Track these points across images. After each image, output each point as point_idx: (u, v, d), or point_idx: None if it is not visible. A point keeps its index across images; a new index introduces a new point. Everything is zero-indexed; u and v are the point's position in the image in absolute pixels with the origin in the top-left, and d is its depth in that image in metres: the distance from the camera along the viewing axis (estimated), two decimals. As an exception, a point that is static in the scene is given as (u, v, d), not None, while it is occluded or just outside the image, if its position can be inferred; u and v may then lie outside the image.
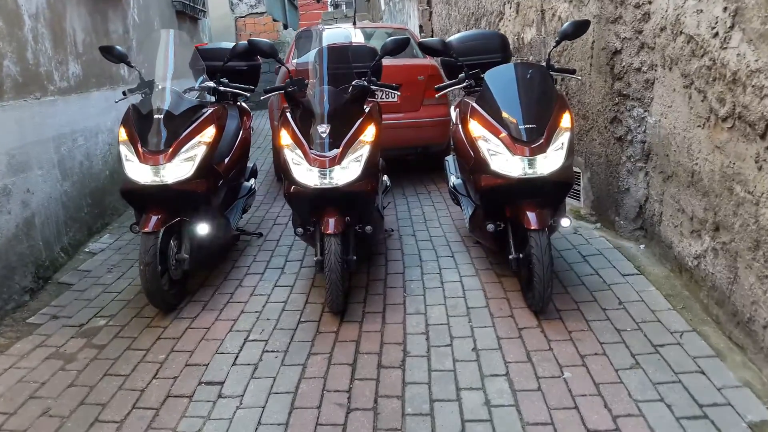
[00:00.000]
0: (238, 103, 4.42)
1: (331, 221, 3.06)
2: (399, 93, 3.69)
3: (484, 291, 3.43)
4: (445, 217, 4.82)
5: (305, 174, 3.08)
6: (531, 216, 2.97)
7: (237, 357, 2.85)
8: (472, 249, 4.06)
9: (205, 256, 3.82)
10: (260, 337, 3.02)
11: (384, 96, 5.48)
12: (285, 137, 3.19)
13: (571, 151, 3.07)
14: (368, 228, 3.30)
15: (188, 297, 3.49)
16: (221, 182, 3.53)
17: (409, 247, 4.18)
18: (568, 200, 4.62)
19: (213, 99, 3.90)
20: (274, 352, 2.88)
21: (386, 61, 4.92)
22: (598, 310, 3.12)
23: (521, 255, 3.12)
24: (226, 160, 3.82)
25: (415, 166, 6.50)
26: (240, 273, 3.83)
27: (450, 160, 4.47)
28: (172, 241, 3.31)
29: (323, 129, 3.10)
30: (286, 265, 3.94)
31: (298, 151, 3.11)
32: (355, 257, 3.24)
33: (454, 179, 4.07)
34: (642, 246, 3.81)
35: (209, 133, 3.33)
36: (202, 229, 3.38)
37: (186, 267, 3.35)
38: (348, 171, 3.08)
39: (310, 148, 3.09)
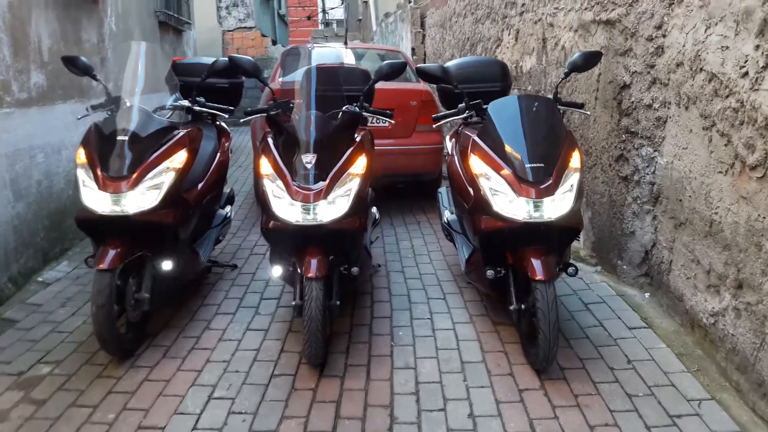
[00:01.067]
0: (217, 123, 4.09)
1: (314, 263, 2.73)
2: (393, 121, 3.39)
3: (480, 342, 3.10)
4: (436, 252, 4.51)
5: (286, 209, 2.75)
6: (536, 264, 2.67)
7: (198, 419, 2.48)
8: (465, 291, 3.74)
9: (170, 294, 3.46)
10: (226, 395, 2.65)
11: (374, 120, 5.18)
12: (265, 166, 2.86)
13: (580, 194, 2.79)
14: (355, 269, 2.97)
15: (148, 341, 3.12)
16: (191, 212, 3.18)
17: (397, 286, 3.85)
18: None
19: (189, 119, 3.56)
20: (241, 414, 2.52)
21: (378, 85, 4.63)
22: (606, 369, 2.81)
23: (523, 306, 2.81)
24: (200, 186, 3.47)
25: (405, 195, 6.19)
26: (209, 312, 3.46)
27: (443, 193, 4.18)
28: (131, 279, 2.94)
29: (308, 159, 2.78)
30: (261, 304, 3.58)
31: (280, 183, 2.78)
32: (338, 302, 2.90)
33: (447, 214, 3.77)
34: (647, 294, 3.53)
35: (180, 158, 2.99)
36: (167, 265, 3.02)
37: (146, 308, 2.98)
38: (335, 207, 2.76)
39: (293, 180, 2.77)
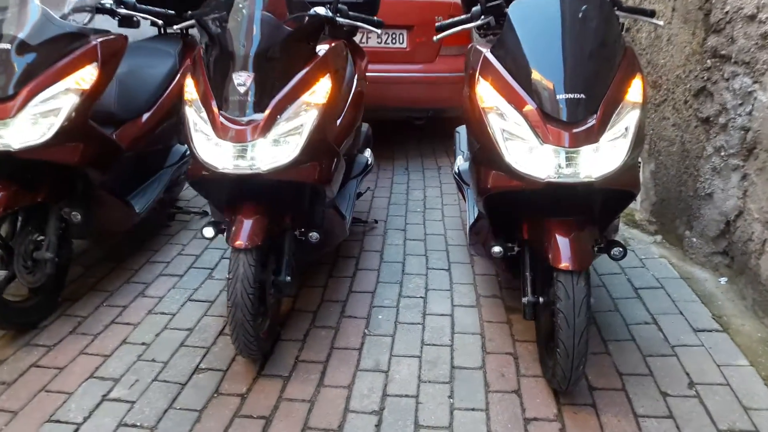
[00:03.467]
0: (186, 36, 3.28)
1: (245, 226, 1.97)
2: (378, 30, 2.50)
3: (483, 337, 2.31)
4: (452, 206, 3.66)
5: (212, 150, 1.96)
6: (562, 245, 1.82)
7: (78, 431, 1.82)
8: (478, 261, 2.91)
9: (113, 246, 2.82)
10: (126, 395, 1.98)
11: (389, 41, 4.28)
12: (189, 89, 2.06)
13: (639, 141, 1.87)
14: (313, 235, 2.19)
15: (64, 307, 2.47)
16: (113, 151, 2.44)
17: (392, 249, 3.06)
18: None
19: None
20: (134, 427, 1.85)
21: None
22: (656, 394, 1.98)
23: (542, 300, 1.98)
24: (144, 117, 2.74)
25: (426, 132, 5.28)
26: (152, 273, 2.78)
27: (461, 133, 3.29)
28: (29, 234, 2.27)
29: (242, 79, 1.95)
30: (218, 265, 2.87)
31: (204, 114, 1.98)
32: (289, 278, 2.14)
33: (460, 161, 2.90)
34: (723, 280, 2.63)
35: (86, 75, 2.22)
36: (75, 217, 2.32)
37: (49, 271, 2.31)
38: (279, 149, 1.96)
39: (223, 110, 1.97)
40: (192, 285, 2.67)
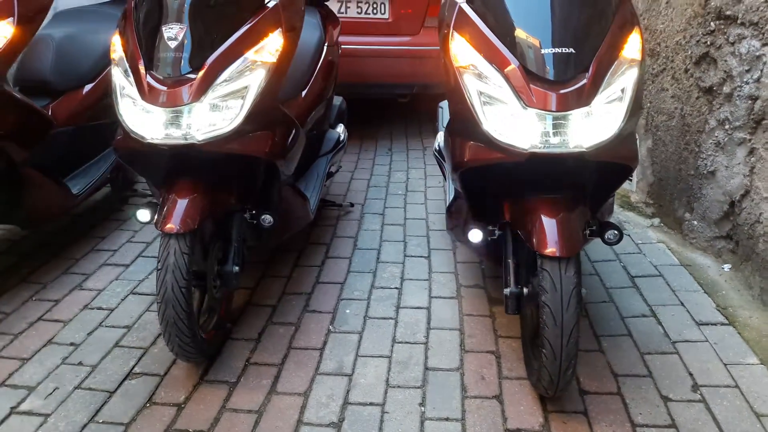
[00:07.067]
0: None
1: (178, 207, 1.69)
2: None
3: (462, 333, 2.04)
4: (436, 188, 3.38)
5: (139, 117, 1.68)
6: (549, 227, 1.55)
7: (-22, 452, 1.55)
8: (461, 247, 2.63)
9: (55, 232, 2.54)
10: (40, 407, 1.70)
11: (370, 10, 3.97)
12: (117, 47, 1.77)
13: (637, 106, 1.60)
14: (266, 218, 1.92)
15: (-10, 303, 2.20)
16: (37, 122, 2.15)
17: (368, 235, 2.78)
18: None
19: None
20: (47, 446, 1.57)
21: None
22: (657, 399, 1.72)
23: (526, 291, 1.71)
24: (86, 89, 2.44)
25: (412, 111, 4.98)
26: (95, 262, 2.49)
27: (445, 109, 3.01)
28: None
29: (173, 33, 1.67)
30: (171, 254, 2.58)
31: (131, 75, 1.69)
32: (237, 268, 1.86)
33: (441, 137, 2.62)
34: (727, 267, 2.37)
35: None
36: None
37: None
38: (218, 115, 1.67)
39: (150, 69, 1.68)
40: (138, 276, 2.39)
